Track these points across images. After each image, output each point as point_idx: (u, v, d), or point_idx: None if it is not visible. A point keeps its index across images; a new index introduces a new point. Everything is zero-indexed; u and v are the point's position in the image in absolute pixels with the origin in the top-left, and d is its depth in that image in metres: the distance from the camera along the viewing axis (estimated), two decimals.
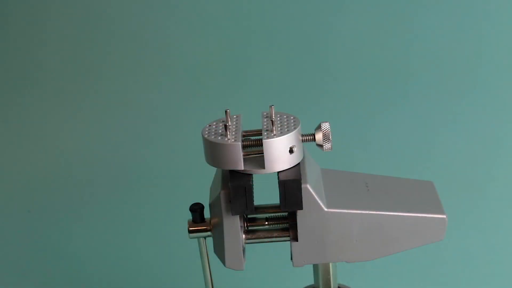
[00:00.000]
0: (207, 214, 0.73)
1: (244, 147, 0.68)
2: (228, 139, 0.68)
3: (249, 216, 0.73)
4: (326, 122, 0.71)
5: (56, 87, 1.45)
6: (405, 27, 1.33)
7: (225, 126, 0.69)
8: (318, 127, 0.70)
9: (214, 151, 0.68)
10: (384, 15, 1.34)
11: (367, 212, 0.71)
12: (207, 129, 0.71)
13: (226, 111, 0.71)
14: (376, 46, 1.35)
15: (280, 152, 0.68)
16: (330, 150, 0.71)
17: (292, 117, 0.71)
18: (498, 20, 1.32)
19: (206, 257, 0.75)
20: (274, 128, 0.68)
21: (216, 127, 0.71)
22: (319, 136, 0.70)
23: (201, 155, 0.70)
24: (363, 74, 1.36)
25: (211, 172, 0.74)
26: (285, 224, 0.73)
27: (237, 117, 0.73)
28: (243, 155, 0.68)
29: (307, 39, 1.36)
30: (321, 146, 0.70)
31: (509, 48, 1.33)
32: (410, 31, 1.34)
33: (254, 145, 0.68)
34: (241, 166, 0.68)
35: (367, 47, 1.35)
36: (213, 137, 0.69)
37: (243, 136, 0.70)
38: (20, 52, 1.44)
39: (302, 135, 0.70)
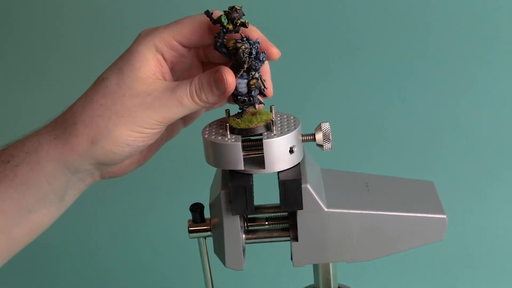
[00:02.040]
0: (207, 214, 0.73)
1: (244, 147, 0.68)
2: (228, 139, 0.68)
3: (249, 216, 0.73)
4: (326, 122, 0.70)
5: (56, 87, 1.45)
6: (406, 27, 1.33)
7: (226, 126, 0.69)
8: (318, 127, 0.70)
9: (214, 151, 0.68)
10: (385, 15, 1.34)
11: (367, 212, 0.70)
12: (207, 129, 0.71)
13: (226, 111, 0.70)
14: (376, 46, 1.35)
15: (280, 152, 0.68)
16: (330, 150, 0.71)
17: (292, 117, 0.71)
18: (499, 20, 1.32)
19: (206, 257, 0.75)
20: (274, 128, 0.68)
21: (216, 127, 0.71)
22: (319, 136, 0.70)
23: (201, 155, 0.70)
24: (363, 74, 1.36)
25: (211, 172, 0.74)
26: (285, 224, 0.73)
27: None
28: (243, 155, 0.68)
29: (307, 39, 1.36)
30: (321, 146, 0.70)
31: (509, 48, 1.33)
32: (410, 31, 1.34)
33: (254, 145, 0.68)
34: (241, 166, 0.68)
35: (367, 47, 1.35)
36: (213, 137, 0.69)
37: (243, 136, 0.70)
38: (23, 53, 1.44)
39: (302, 135, 0.70)
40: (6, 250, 0.71)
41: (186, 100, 0.66)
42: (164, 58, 0.68)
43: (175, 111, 0.66)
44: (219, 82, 0.65)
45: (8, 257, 0.72)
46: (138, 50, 0.67)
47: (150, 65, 0.67)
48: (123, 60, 0.68)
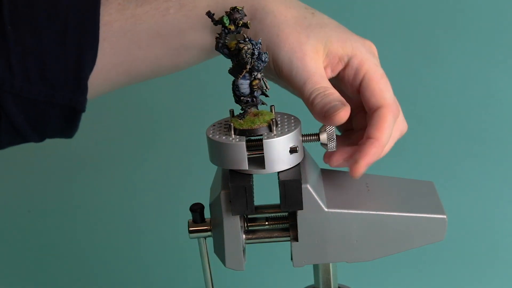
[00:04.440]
0: (207, 214, 0.73)
1: (247, 147, 0.68)
2: (233, 139, 0.68)
3: (249, 216, 0.73)
4: None
5: None
6: (405, 26, 1.33)
7: (230, 126, 0.69)
8: (323, 127, 0.70)
9: (219, 151, 0.68)
10: (384, 15, 1.34)
11: (367, 212, 0.71)
12: (211, 129, 0.71)
13: (230, 111, 0.71)
14: (376, 46, 1.35)
15: (280, 152, 0.68)
16: (334, 149, 0.71)
17: (292, 117, 0.71)
18: (500, 20, 1.32)
19: (206, 257, 0.75)
20: (274, 129, 0.68)
21: (220, 127, 0.71)
22: (323, 137, 0.70)
23: (201, 155, 0.70)
24: None
25: (211, 172, 0.74)
26: (285, 224, 0.73)
27: None
28: (248, 155, 0.68)
29: None
30: (325, 145, 0.70)
31: (509, 48, 1.33)
32: (410, 30, 1.34)
33: (255, 146, 0.68)
34: (245, 166, 0.68)
35: None
36: (217, 137, 0.69)
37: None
38: None
39: (304, 135, 0.70)
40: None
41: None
42: None
43: None
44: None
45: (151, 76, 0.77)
46: None
47: None
48: None
